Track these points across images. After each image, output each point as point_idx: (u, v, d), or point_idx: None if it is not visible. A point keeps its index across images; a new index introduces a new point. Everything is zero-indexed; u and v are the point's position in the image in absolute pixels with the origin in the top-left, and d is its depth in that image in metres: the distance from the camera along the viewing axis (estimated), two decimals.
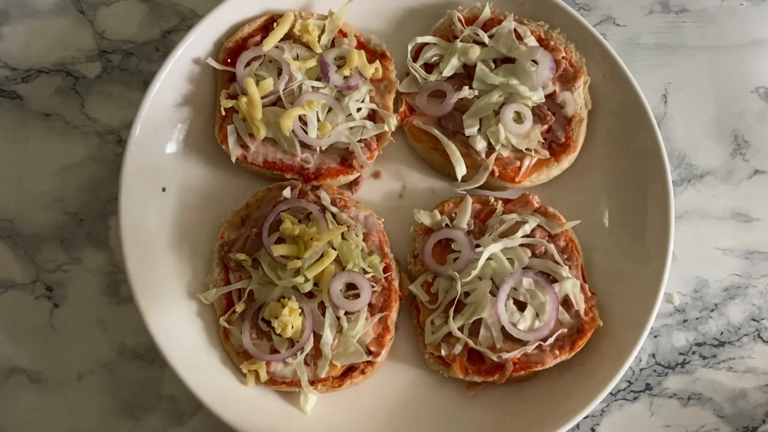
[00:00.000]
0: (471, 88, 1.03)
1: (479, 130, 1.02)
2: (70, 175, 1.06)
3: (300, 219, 0.98)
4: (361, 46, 1.04)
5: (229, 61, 1.01)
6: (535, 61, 1.02)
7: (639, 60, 1.17)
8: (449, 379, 0.98)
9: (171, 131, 1.01)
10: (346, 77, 1.01)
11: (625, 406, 1.06)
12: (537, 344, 0.95)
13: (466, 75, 1.06)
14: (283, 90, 0.99)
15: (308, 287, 0.94)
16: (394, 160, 1.07)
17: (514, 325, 0.94)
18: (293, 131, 0.97)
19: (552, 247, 0.98)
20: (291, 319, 0.92)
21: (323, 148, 1.00)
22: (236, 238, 0.98)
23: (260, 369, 0.93)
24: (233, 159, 0.99)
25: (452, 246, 0.99)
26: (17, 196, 1.05)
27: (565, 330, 0.96)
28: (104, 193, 1.05)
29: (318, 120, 0.99)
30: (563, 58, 1.04)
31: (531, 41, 1.04)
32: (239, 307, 0.95)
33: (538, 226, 0.99)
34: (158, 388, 1.00)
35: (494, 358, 0.94)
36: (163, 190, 1.00)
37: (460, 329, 0.94)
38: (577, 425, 0.98)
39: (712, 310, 1.10)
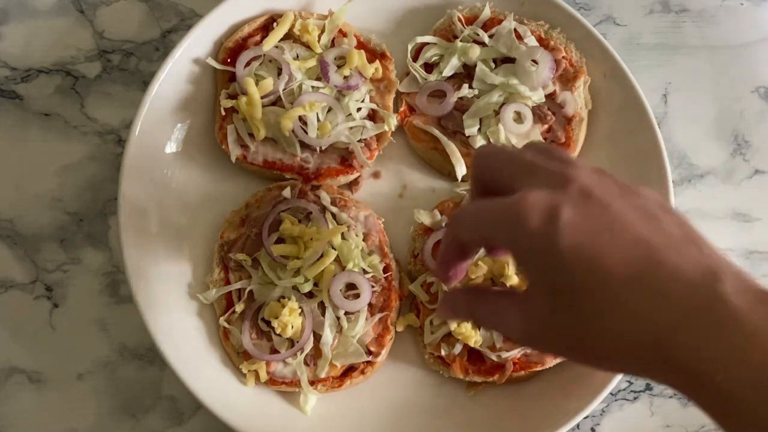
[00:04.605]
0: (471, 87, 1.03)
1: (479, 129, 1.02)
2: (69, 175, 1.06)
3: (300, 219, 0.98)
4: (361, 46, 1.04)
5: (229, 61, 1.00)
6: (535, 61, 1.02)
7: (639, 60, 1.16)
8: (449, 379, 0.98)
9: (171, 131, 1.01)
10: (346, 77, 1.01)
11: (625, 406, 1.06)
12: None
13: (466, 75, 1.06)
14: (283, 90, 0.99)
15: (308, 287, 0.94)
16: (394, 160, 1.07)
17: None
18: (293, 131, 0.97)
19: None
20: (291, 319, 0.91)
21: (323, 148, 1.00)
22: (236, 238, 0.98)
23: (260, 369, 0.93)
24: (233, 159, 0.99)
25: None
26: (17, 196, 1.05)
27: None
28: (104, 193, 1.05)
29: (318, 120, 0.99)
30: (563, 57, 1.04)
31: (531, 41, 1.04)
32: (239, 307, 0.95)
33: None
34: (158, 388, 1.00)
35: (494, 357, 0.94)
36: (163, 189, 1.00)
37: None
38: (577, 425, 0.98)
39: None
